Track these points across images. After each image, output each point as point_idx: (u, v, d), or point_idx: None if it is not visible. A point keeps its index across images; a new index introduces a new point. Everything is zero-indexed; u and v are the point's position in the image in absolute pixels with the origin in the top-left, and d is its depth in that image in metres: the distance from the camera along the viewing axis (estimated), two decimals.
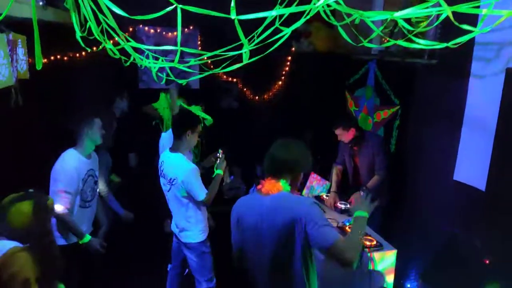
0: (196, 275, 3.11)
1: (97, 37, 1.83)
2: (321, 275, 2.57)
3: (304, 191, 3.87)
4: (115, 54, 2.03)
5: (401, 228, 3.59)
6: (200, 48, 5.20)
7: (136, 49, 1.84)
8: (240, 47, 1.53)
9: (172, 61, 1.81)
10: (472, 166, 2.87)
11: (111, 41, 1.94)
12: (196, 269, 3.08)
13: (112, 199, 3.63)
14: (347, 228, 2.95)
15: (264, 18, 1.61)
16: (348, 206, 3.43)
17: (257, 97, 5.62)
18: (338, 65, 4.78)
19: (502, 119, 2.53)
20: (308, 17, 1.58)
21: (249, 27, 1.68)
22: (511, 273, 2.36)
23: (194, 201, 2.86)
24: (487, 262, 2.53)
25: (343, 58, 4.69)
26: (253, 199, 1.96)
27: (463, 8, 1.39)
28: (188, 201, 2.88)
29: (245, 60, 1.61)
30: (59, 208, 2.60)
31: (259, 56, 1.79)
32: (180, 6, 1.28)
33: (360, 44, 2.15)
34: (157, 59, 2.23)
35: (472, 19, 1.90)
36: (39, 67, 1.48)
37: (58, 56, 3.97)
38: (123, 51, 1.95)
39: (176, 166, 2.83)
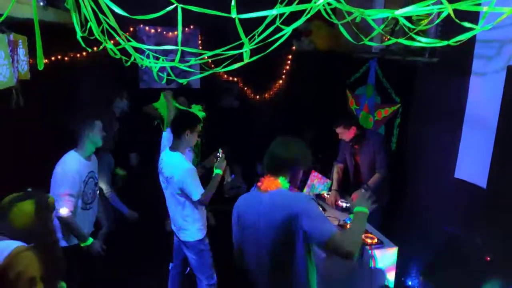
0: (196, 273, 3.13)
1: (97, 37, 1.83)
2: (322, 273, 2.58)
3: (305, 190, 3.87)
4: (115, 54, 2.04)
5: (402, 225, 3.59)
6: (200, 47, 5.20)
7: (136, 49, 1.84)
8: (241, 46, 1.53)
9: (173, 60, 1.81)
10: (473, 163, 2.87)
11: (112, 41, 1.94)
12: (196, 266, 3.10)
13: (115, 199, 3.65)
14: (348, 226, 2.95)
15: (265, 17, 1.61)
16: (349, 204, 3.42)
17: (258, 96, 5.62)
18: (339, 64, 4.78)
19: (503, 117, 2.53)
20: (309, 15, 1.58)
21: (250, 26, 1.68)
22: None
23: (191, 200, 2.87)
24: (488, 259, 2.53)
25: (344, 57, 4.68)
26: (253, 196, 1.97)
27: (464, 5, 1.39)
28: (185, 199, 2.89)
29: (246, 59, 1.61)
30: (64, 211, 2.60)
31: (259, 55, 1.79)
32: (181, 5, 1.28)
33: (361, 43, 2.15)
34: (157, 58, 2.23)
35: (473, 17, 1.89)
36: (40, 67, 1.49)
37: (59, 57, 3.98)
38: (123, 51, 1.95)
39: (173, 165, 2.85)
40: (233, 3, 1.26)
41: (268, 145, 1.96)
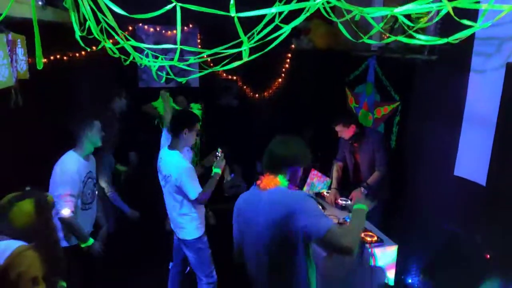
0: (196, 271, 3.14)
1: (96, 36, 1.83)
2: (322, 272, 2.58)
3: (305, 188, 3.87)
4: (114, 53, 2.03)
5: (401, 223, 3.60)
6: (199, 46, 5.19)
7: (135, 48, 1.84)
8: (240, 44, 1.52)
9: (172, 59, 1.81)
10: (472, 161, 2.87)
11: (111, 40, 1.93)
12: (195, 265, 3.11)
13: (117, 199, 3.65)
14: (347, 224, 2.96)
15: (264, 16, 1.61)
16: (349, 202, 3.43)
17: (257, 95, 5.62)
18: (338, 62, 4.77)
19: (502, 114, 2.53)
20: (308, 14, 1.58)
21: (249, 24, 1.68)
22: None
23: (188, 198, 2.88)
24: (488, 257, 2.54)
25: (343, 55, 4.68)
26: (253, 194, 1.97)
27: (463, 3, 1.39)
28: (183, 197, 2.90)
29: (245, 58, 1.60)
30: (66, 212, 2.60)
31: (258, 54, 1.78)
32: (180, 4, 1.28)
33: (360, 41, 2.15)
34: (156, 57, 2.22)
35: (472, 14, 1.89)
36: (40, 67, 1.48)
37: (58, 56, 3.97)
38: (122, 50, 1.95)
39: (171, 163, 2.86)
40: (232, 1, 1.25)
41: (267, 143, 1.97)
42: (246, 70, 4.59)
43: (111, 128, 3.61)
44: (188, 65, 2.06)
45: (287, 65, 5.49)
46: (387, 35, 2.12)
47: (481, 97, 2.79)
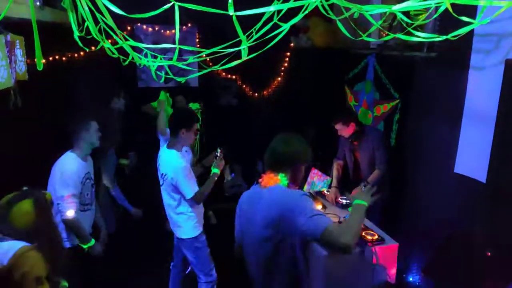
0: (195, 270, 3.16)
1: (95, 36, 1.83)
2: (323, 270, 2.58)
3: (305, 187, 3.87)
4: (113, 53, 2.03)
5: (402, 222, 3.60)
6: (198, 45, 5.19)
7: (134, 48, 1.83)
8: (239, 43, 1.52)
9: (171, 59, 1.81)
10: (472, 158, 2.87)
11: (109, 40, 1.93)
12: (194, 263, 3.12)
13: (121, 197, 3.67)
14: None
15: (262, 14, 1.60)
16: (349, 201, 3.43)
17: (256, 94, 5.62)
18: (337, 60, 4.77)
19: (501, 110, 2.53)
20: (307, 11, 1.57)
21: (247, 23, 1.67)
22: None
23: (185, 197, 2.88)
24: (489, 254, 2.53)
25: (342, 53, 4.68)
26: (255, 193, 1.98)
27: None
28: (180, 196, 2.91)
29: (244, 57, 1.60)
30: (71, 213, 2.60)
31: (257, 53, 1.78)
32: (178, 3, 1.27)
33: (359, 38, 2.15)
34: (155, 57, 2.22)
35: (471, 11, 1.89)
36: (40, 68, 1.48)
37: (57, 57, 3.97)
38: (121, 50, 1.95)
39: (168, 162, 2.88)
40: (230, 0, 1.25)
41: (267, 142, 1.97)
42: (245, 69, 4.58)
43: (110, 128, 3.61)
44: (187, 65, 2.06)
45: (286, 64, 5.49)
46: (386, 32, 2.12)
47: (480, 93, 2.79)
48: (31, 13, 1.36)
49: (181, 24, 1.37)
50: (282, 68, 5.51)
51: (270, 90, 5.61)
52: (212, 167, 3.03)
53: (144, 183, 4.03)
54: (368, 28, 2.08)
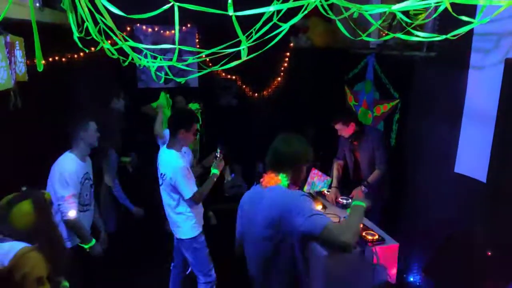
0: (195, 270, 3.16)
1: (94, 37, 1.83)
2: (324, 270, 2.58)
3: (306, 187, 3.87)
4: (113, 54, 2.03)
5: (402, 222, 3.60)
6: (198, 46, 5.19)
7: (134, 49, 1.83)
8: (238, 44, 1.52)
9: (171, 59, 1.81)
10: (472, 158, 2.87)
11: (109, 41, 1.93)
12: (193, 264, 3.13)
13: (122, 196, 3.67)
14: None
15: (262, 14, 1.60)
16: (350, 201, 3.43)
17: (256, 94, 5.62)
18: (336, 60, 4.77)
19: (501, 110, 2.53)
20: (306, 11, 1.57)
21: (247, 23, 1.67)
22: None
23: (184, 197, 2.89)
24: (489, 254, 2.53)
25: (342, 53, 4.68)
26: (255, 192, 1.98)
27: None
28: (179, 196, 2.91)
29: (244, 57, 1.60)
30: (72, 214, 2.60)
31: (257, 53, 1.78)
32: (177, 4, 1.27)
33: (359, 38, 2.14)
34: (155, 58, 2.22)
35: (471, 10, 1.89)
36: (40, 69, 1.48)
37: (56, 58, 3.97)
38: (121, 51, 1.94)
39: (167, 162, 2.89)
40: (229, 0, 1.25)
41: (267, 143, 1.97)
42: (245, 70, 4.58)
43: (109, 129, 3.62)
44: (187, 65, 2.06)
45: (286, 64, 5.49)
46: (386, 32, 2.12)
47: (480, 93, 2.79)
48: (31, 14, 1.36)
49: (180, 24, 1.37)
50: (282, 68, 5.51)
51: (270, 90, 5.61)
52: (211, 168, 3.03)
53: (144, 183, 4.03)
54: (367, 28, 2.08)
